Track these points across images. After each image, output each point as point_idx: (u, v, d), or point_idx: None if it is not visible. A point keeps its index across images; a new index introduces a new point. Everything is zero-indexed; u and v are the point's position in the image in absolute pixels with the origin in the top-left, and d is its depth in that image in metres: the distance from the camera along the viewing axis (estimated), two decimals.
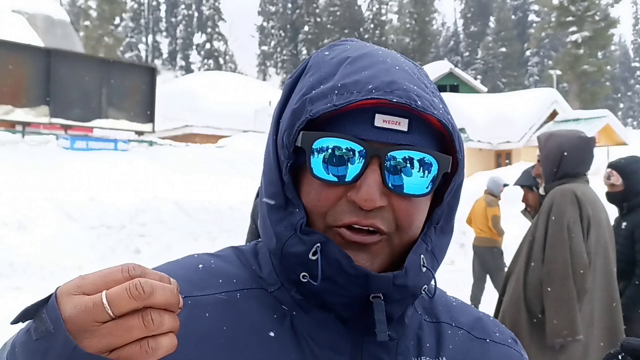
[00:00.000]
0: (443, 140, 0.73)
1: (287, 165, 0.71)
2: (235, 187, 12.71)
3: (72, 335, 0.53)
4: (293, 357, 0.70)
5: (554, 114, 31.46)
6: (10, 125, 15.15)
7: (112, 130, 16.59)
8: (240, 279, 0.75)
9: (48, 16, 27.27)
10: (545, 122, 30.90)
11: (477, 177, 20.74)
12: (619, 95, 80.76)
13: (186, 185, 12.73)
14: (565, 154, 3.02)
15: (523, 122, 30.80)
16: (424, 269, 0.72)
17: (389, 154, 0.68)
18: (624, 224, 3.90)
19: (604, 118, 28.23)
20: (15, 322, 0.57)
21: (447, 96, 33.65)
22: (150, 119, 17.33)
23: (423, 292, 0.73)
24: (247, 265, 0.78)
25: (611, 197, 4.01)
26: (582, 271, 2.69)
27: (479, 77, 68.93)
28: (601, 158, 26.44)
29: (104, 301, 0.52)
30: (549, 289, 2.71)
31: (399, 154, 0.68)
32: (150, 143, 16.85)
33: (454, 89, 40.48)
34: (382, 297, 0.69)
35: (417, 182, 0.69)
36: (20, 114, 14.95)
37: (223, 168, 14.95)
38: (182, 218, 11.34)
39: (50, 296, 0.56)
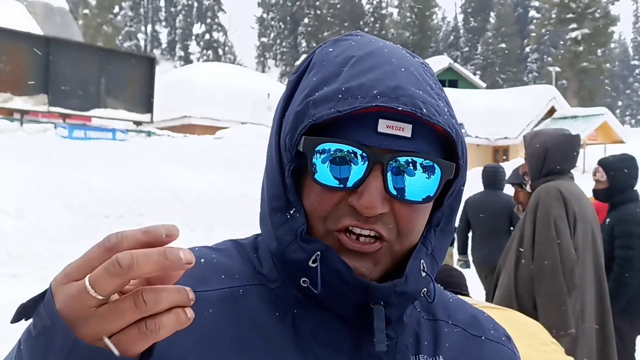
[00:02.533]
0: (447, 145, 0.72)
1: (289, 169, 0.71)
2: (232, 178, 12.73)
3: (70, 326, 0.51)
4: (294, 355, 0.70)
5: (552, 111, 31.49)
6: (9, 113, 15.13)
7: (110, 120, 16.57)
8: (242, 275, 0.75)
9: (47, 4, 27.17)
10: (543, 118, 30.94)
11: (476, 172, 20.79)
12: (618, 93, 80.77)
13: (184, 176, 12.74)
14: (549, 151, 3.08)
15: (521, 119, 30.85)
16: (424, 274, 0.72)
17: (391, 160, 0.67)
18: (607, 219, 3.99)
19: (601, 116, 28.26)
20: (14, 321, 0.56)
21: (445, 91, 33.58)
22: (149, 109, 17.32)
23: (422, 295, 0.74)
24: (247, 261, 0.78)
25: (597, 193, 4.09)
26: (571, 267, 2.74)
27: (478, 72, 68.86)
28: (598, 156, 26.44)
29: (87, 285, 0.50)
30: (539, 286, 2.76)
31: (402, 161, 0.67)
32: (149, 133, 16.84)
33: (453, 84, 40.46)
34: (382, 304, 0.70)
35: (419, 188, 0.68)
36: (19, 102, 14.93)
37: (221, 159, 14.96)
38: (179, 208, 11.37)
39: (46, 290, 0.54)
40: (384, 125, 0.67)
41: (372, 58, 0.71)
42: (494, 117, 31.15)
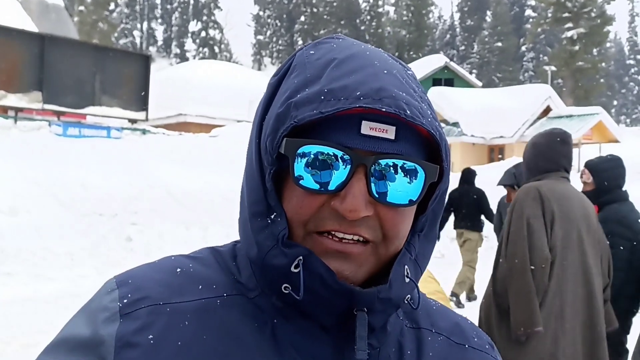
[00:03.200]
0: (430, 147, 0.71)
1: (270, 172, 0.69)
2: (228, 176, 12.71)
3: None
4: None
5: (547, 110, 31.56)
6: (3, 111, 15.08)
7: (105, 118, 16.53)
8: (220, 285, 0.73)
9: (42, 1, 27.07)
10: (539, 118, 31.01)
11: None
12: (613, 92, 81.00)
13: (179, 174, 12.73)
14: (534, 152, 3.10)
15: (517, 118, 30.90)
16: (408, 280, 0.71)
17: (375, 163, 0.65)
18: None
19: (597, 115, 28.34)
20: None
21: (441, 90, 33.68)
22: (144, 107, 17.30)
23: (406, 302, 0.73)
24: (225, 269, 0.76)
25: (586, 195, 4.12)
26: (543, 265, 2.75)
27: (474, 71, 68.96)
28: (593, 155, 26.49)
29: None
30: (509, 283, 2.80)
31: (386, 163, 0.66)
32: (144, 131, 16.81)
33: (449, 82, 40.50)
34: (366, 310, 0.69)
35: (403, 191, 0.67)
36: (13, 100, 14.89)
37: (216, 157, 14.95)
38: (174, 207, 11.35)
39: None
40: (367, 127, 0.66)
41: (354, 60, 0.70)
42: (489, 116, 31.19)
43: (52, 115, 15.49)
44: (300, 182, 0.66)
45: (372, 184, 0.66)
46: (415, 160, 0.67)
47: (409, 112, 0.65)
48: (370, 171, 0.66)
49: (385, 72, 0.69)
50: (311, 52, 0.73)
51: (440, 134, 0.69)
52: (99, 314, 0.69)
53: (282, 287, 0.68)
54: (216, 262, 0.76)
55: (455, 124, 30.74)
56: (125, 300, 0.69)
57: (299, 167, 0.66)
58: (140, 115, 17.24)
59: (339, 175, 0.66)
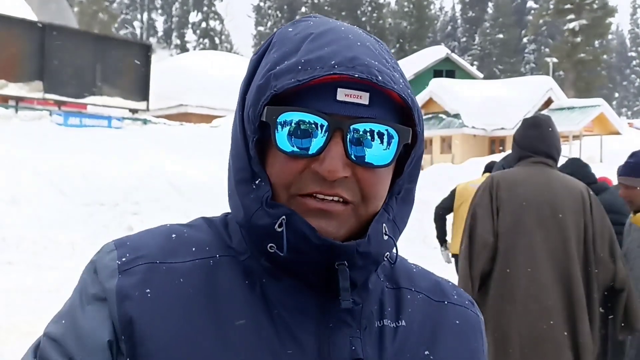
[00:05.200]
0: (403, 114, 0.76)
1: (253, 140, 0.73)
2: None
3: None
4: (264, 321, 0.73)
5: (549, 102, 31.50)
6: (4, 100, 15.06)
7: (106, 108, 16.51)
8: (213, 247, 0.78)
9: None
10: (540, 109, 30.94)
11: (471, 163, 20.80)
12: (615, 84, 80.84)
13: (180, 164, 12.72)
14: (512, 143, 3.08)
15: (518, 109, 30.82)
16: (386, 237, 0.75)
17: (351, 127, 0.70)
18: None
19: (598, 107, 28.28)
20: None
21: (442, 81, 33.61)
22: (145, 97, 17.27)
23: (385, 259, 0.77)
24: (217, 235, 0.80)
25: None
26: (479, 251, 2.80)
27: (475, 63, 68.78)
28: (595, 147, 26.54)
29: None
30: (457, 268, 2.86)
31: (361, 127, 0.71)
32: (145, 121, 16.79)
33: (450, 74, 40.40)
34: (347, 265, 0.73)
35: (378, 153, 0.72)
36: (14, 89, 14.87)
37: (217, 148, 14.93)
38: (175, 197, 11.36)
39: None
40: (342, 94, 0.70)
41: (329, 34, 0.74)
42: (490, 108, 31.13)
43: (53, 105, 15.47)
44: (282, 147, 0.71)
45: (350, 147, 0.71)
46: (389, 124, 0.72)
47: (380, 78, 0.70)
48: (347, 135, 0.70)
49: (358, 44, 0.74)
50: (289, 29, 0.78)
51: (412, 100, 0.74)
52: (101, 272, 0.74)
53: (268, 247, 0.73)
54: (209, 228, 0.82)
55: (457, 116, 30.70)
56: (123, 259, 0.74)
57: (280, 134, 0.71)
58: (141, 105, 17.23)
59: (318, 139, 0.70)
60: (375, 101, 0.72)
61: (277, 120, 0.70)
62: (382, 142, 0.72)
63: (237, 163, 0.77)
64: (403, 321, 0.80)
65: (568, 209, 2.84)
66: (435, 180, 13.73)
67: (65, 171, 10.80)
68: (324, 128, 0.70)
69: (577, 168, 4.46)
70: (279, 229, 0.71)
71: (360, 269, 0.74)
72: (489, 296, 2.82)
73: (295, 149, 0.71)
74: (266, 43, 0.79)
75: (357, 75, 0.69)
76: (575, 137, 27.93)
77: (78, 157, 11.63)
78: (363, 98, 0.71)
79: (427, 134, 29.80)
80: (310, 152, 0.71)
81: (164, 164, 12.47)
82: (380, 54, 0.75)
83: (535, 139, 2.95)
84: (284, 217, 0.71)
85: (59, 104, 15.50)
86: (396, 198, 0.78)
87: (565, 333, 2.76)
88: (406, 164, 0.77)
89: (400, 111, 0.75)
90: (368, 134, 0.71)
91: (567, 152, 28.05)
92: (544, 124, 2.98)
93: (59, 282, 7.11)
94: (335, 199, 0.72)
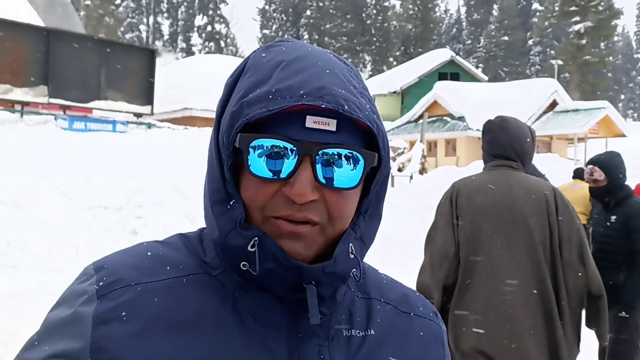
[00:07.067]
0: (370, 137, 0.79)
1: (227, 163, 0.77)
2: None
3: None
4: (236, 334, 0.77)
5: (554, 104, 31.41)
6: (9, 105, 15.15)
7: (110, 112, 16.58)
8: (187, 265, 0.82)
9: None
10: (545, 112, 30.88)
11: (476, 165, 20.78)
12: (620, 86, 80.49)
13: (184, 168, 12.76)
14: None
15: (523, 112, 30.73)
16: (352, 256, 0.79)
17: (319, 152, 0.74)
18: (614, 217, 4.02)
19: (603, 109, 28.20)
20: None
21: (447, 84, 33.58)
22: (149, 101, 17.34)
23: (351, 275, 0.81)
24: (192, 252, 0.84)
25: (595, 192, 4.11)
26: (439, 260, 2.74)
27: (480, 65, 68.68)
28: (600, 149, 26.46)
29: None
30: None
31: (329, 151, 0.75)
32: (149, 125, 16.85)
33: (455, 77, 40.37)
34: (314, 283, 0.77)
35: (346, 176, 0.76)
36: (19, 94, 14.96)
37: None
38: (179, 200, 11.39)
39: None
40: (311, 121, 0.74)
41: (300, 62, 0.78)
42: (495, 110, 30.72)
43: (57, 109, 15.56)
44: (255, 172, 0.75)
45: (318, 171, 0.75)
46: (355, 149, 0.76)
47: (346, 107, 0.74)
48: (316, 160, 0.74)
49: (327, 71, 0.77)
50: (263, 54, 0.82)
51: (377, 126, 0.78)
52: (80, 297, 0.78)
53: (241, 265, 0.77)
54: (184, 246, 0.85)
55: (461, 118, 30.66)
56: (101, 283, 0.78)
57: (253, 158, 0.75)
58: (146, 109, 17.29)
59: (288, 164, 0.74)
60: (342, 127, 0.76)
61: (250, 146, 0.74)
62: (349, 165, 0.76)
63: (212, 185, 0.80)
64: (372, 330, 0.85)
65: (530, 212, 2.72)
66: (440, 183, 13.73)
67: (69, 175, 10.86)
68: (294, 153, 0.74)
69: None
70: (252, 249, 0.75)
71: (327, 285, 0.79)
72: (452, 306, 2.75)
73: (267, 173, 0.74)
74: (240, 67, 0.83)
75: (324, 106, 0.73)
76: (580, 139, 27.85)
77: (82, 161, 11.69)
78: (331, 125, 0.75)
79: (431, 136, 29.76)
80: (281, 176, 0.74)
81: (168, 167, 12.52)
82: (348, 81, 0.78)
83: (489, 143, 2.90)
84: (256, 238, 0.75)
85: (64, 108, 15.59)
86: (363, 216, 0.82)
87: (531, 341, 2.64)
88: (372, 185, 0.81)
89: (367, 135, 0.79)
90: (336, 158, 0.75)
91: (572, 154, 27.96)
92: (494, 127, 2.90)
93: (62, 285, 7.14)
94: (305, 220, 0.76)
